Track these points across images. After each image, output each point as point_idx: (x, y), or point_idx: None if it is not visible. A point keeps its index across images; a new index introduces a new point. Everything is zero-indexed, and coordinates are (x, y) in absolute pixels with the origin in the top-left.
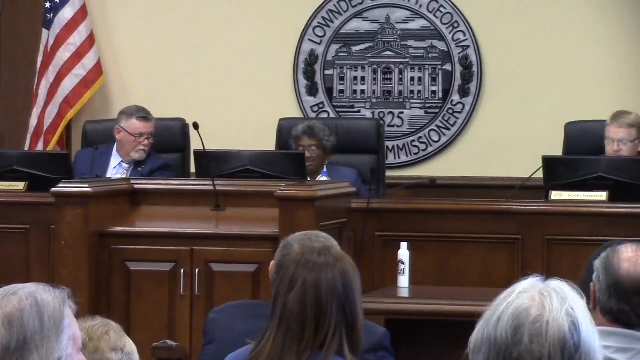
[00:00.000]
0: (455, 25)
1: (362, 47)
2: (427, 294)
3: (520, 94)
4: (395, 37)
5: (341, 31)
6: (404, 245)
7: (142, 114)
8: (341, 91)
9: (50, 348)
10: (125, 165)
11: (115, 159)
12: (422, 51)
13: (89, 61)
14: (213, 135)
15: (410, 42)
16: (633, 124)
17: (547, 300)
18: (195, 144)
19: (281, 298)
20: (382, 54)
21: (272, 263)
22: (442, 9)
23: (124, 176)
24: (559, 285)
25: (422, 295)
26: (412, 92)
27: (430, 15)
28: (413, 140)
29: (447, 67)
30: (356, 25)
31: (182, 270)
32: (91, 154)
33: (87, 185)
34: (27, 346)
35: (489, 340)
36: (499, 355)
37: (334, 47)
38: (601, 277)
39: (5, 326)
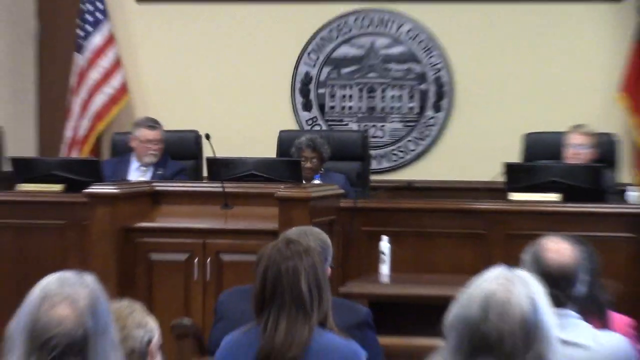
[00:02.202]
0: (430, 50)
1: (349, 69)
2: (404, 280)
3: (485, 110)
4: (378, 61)
5: (332, 56)
6: (385, 238)
7: (150, 123)
8: (332, 107)
9: (112, 328)
10: (142, 168)
11: (134, 164)
12: (401, 73)
13: (116, 81)
14: (222, 144)
15: (391, 65)
16: (589, 134)
17: (512, 285)
18: (207, 152)
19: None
20: (367, 75)
21: None
22: (418, 36)
23: (143, 178)
24: (522, 274)
25: (400, 281)
26: (392, 108)
27: (409, 42)
28: (393, 150)
29: (423, 86)
30: (345, 50)
31: (196, 260)
32: (114, 161)
33: (114, 187)
34: (107, 329)
35: (461, 318)
36: (470, 331)
37: (326, 70)
38: (531, 268)
39: (76, 317)
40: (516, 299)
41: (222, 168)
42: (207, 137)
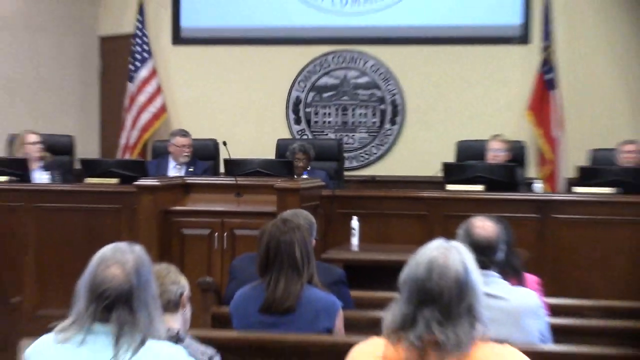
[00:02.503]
0: (388, 80)
1: (329, 94)
2: (369, 249)
3: (428, 124)
4: (350, 88)
5: (316, 84)
6: (355, 218)
7: (183, 133)
8: (315, 121)
9: (153, 284)
10: (178, 167)
11: (171, 164)
12: (366, 96)
13: (157, 103)
14: (235, 149)
15: (359, 91)
16: (505, 141)
17: (449, 252)
18: (223, 155)
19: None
20: (341, 98)
21: None
22: (379, 70)
23: (178, 174)
24: (456, 244)
25: (366, 249)
26: (360, 122)
27: (372, 74)
28: (361, 153)
29: (382, 106)
30: (325, 80)
31: (216, 234)
32: (155, 162)
33: (156, 181)
34: (148, 286)
35: (411, 278)
36: (418, 287)
37: (311, 94)
38: (463, 240)
39: (125, 276)
40: (452, 263)
41: (234, 166)
42: (224, 143)
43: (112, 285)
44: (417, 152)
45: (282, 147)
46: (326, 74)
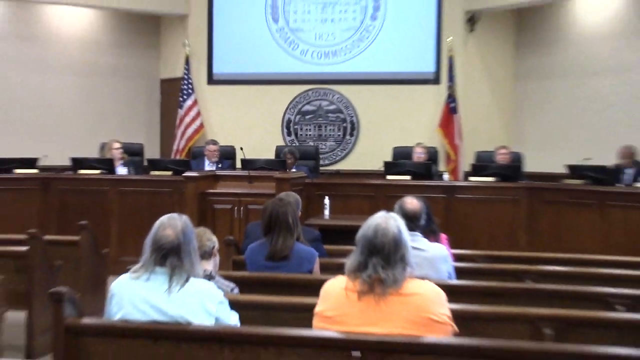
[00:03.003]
0: (348, 107)
1: (309, 116)
2: (336, 218)
3: (374, 136)
4: (323, 112)
5: (301, 110)
6: (327, 197)
7: (213, 142)
8: (300, 134)
9: (194, 241)
10: (210, 164)
11: (206, 162)
12: (334, 118)
13: (197, 123)
14: (248, 152)
15: (329, 115)
16: (424, 147)
17: (388, 220)
18: (239, 156)
19: (266, 219)
20: (317, 119)
21: None
22: (343, 101)
23: (211, 169)
24: (393, 215)
25: (334, 218)
26: (329, 135)
27: (338, 103)
28: (330, 155)
29: (344, 125)
30: (307, 107)
31: (235, 208)
32: (196, 161)
33: (197, 173)
34: (189, 246)
35: (363, 237)
36: (367, 243)
37: (298, 116)
38: (398, 212)
39: (175, 235)
40: (390, 227)
41: (247, 164)
42: (241, 149)
43: (167, 241)
44: (367, 154)
45: (278, 151)
46: (307, 103)
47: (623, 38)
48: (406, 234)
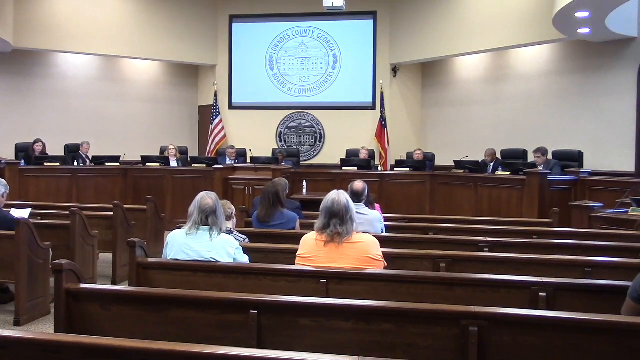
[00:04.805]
0: (318, 123)
1: (293, 130)
2: (310, 195)
3: (334, 142)
4: (302, 127)
5: (288, 126)
6: (305, 181)
7: (231, 146)
8: (288, 141)
9: (221, 207)
10: (230, 161)
11: (228, 159)
12: (309, 131)
13: (222, 134)
14: (255, 152)
15: (306, 129)
16: (366, 149)
17: (341, 195)
18: (249, 155)
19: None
20: (299, 132)
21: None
22: (314, 119)
23: (231, 163)
24: (342, 191)
25: (309, 195)
26: (306, 141)
27: (311, 122)
28: (307, 154)
29: (316, 135)
30: (291, 124)
31: (247, 188)
32: (221, 158)
33: (221, 166)
34: (219, 211)
35: (326, 206)
36: (328, 210)
37: (286, 130)
38: (349, 190)
39: (212, 204)
40: (342, 199)
41: (254, 160)
42: (250, 150)
43: (208, 207)
44: (330, 154)
45: (274, 151)
46: (292, 121)
47: (490, 81)
48: (351, 204)
